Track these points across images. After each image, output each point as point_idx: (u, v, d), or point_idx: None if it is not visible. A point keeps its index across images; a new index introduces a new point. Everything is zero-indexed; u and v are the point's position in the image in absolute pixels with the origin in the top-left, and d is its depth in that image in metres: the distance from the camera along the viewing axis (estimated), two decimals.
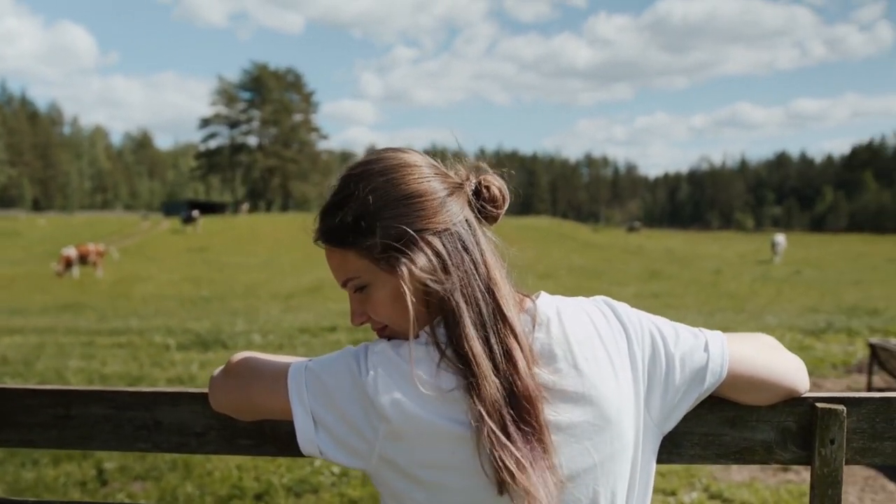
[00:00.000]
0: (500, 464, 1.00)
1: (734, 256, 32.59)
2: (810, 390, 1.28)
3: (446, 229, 1.11)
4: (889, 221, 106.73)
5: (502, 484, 1.01)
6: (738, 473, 4.99)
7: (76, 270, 22.47)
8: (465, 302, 1.08)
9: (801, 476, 4.88)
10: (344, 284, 1.17)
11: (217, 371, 1.29)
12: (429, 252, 1.09)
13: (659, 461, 1.22)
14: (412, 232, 1.10)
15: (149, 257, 29.96)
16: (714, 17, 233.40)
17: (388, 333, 1.16)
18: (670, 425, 1.19)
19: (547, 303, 1.16)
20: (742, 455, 1.28)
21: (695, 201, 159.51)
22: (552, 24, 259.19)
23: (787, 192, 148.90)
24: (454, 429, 1.04)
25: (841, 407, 1.24)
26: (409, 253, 1.09)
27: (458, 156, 1.21)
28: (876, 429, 1.26)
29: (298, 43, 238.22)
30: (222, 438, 1.34)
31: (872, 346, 6.91)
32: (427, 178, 1.13)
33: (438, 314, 1.10)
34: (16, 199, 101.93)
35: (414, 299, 1.08)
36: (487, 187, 1.18)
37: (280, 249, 33.55)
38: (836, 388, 7.62)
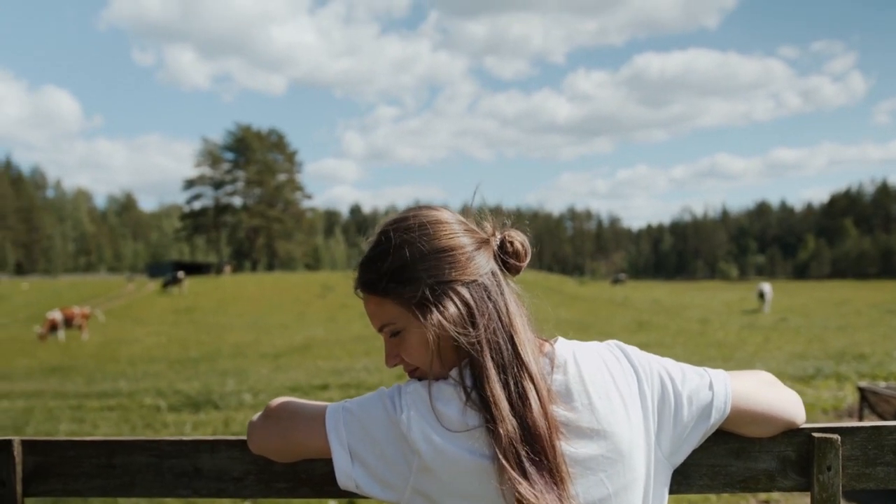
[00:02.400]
0: (519, 495, 1.10)
1: (720, 305, 32.76)
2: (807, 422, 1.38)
3: (474, 280, 1.23)
4: (871, 267, 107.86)
5: None
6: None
7: (62, 333, 22.29)
8: (489, 347, 1.19)
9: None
10: (380, 329, 1.28)
11: (256, 416, 1.38)
12: (458, 301, 1.21)
13: (670, 492, 1.32)
14: (444, 283, 1.21)
15: (135, 319, 29.74)
16: (690, 71, 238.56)
17: (418, 375, 1.27)
18: (680, 459, 1.30)
19: (564, 346, 1.28)
20: (747, 484, 1.38)
21: (678, 252, 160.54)
22: (532, 81, 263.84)
23: (769, 241, 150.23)
24: (480, 462, 1.14)
25: (835, 436, 1.35)
26: (441, 302, 1.20)
27: (484, 212, 1.33)
28: (868, 455, 1.37)
29: (281, 104, 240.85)
30: (260, 482, 1.42)
31: (862, 390, 6.99)
32: (457, 234, 1.26)
33: (466, 357, 1.20)
34: None
35: (443, 344, 1.20)
36: (511, 242, 1.31)
37: (267, 309, 33.41)
38: None
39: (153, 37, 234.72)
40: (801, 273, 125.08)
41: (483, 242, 1.28)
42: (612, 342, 1.35)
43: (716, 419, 1.29)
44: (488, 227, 1.32)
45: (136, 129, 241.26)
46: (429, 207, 1.32)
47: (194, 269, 71.09)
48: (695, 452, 1.32)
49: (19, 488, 1.45)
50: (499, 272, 1.27)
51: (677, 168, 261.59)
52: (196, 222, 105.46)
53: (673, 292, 51.14)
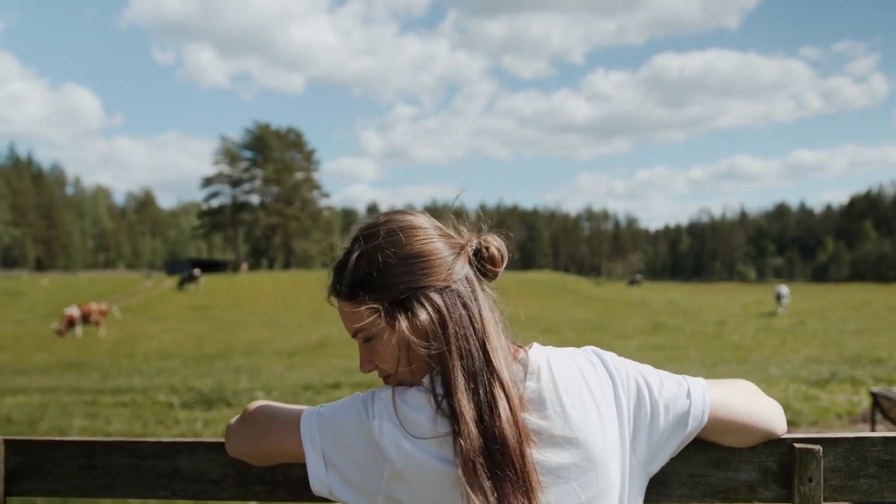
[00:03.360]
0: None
1: (737, 308, 32.54)
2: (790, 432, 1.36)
3: (447, 286, 1.22)
4: (890, 270, 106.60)
5: None
6: None
7: (79, 329, 22.50)
8: (459, 354, 1.18)
9: None
10: (354, 335, 1.27)
11: (234, 419, 1.38)
12: (429, 308, 1.20)
13: (648, 501, 1.31)
14: (416, 288, 1.21)
15: (152, 316, 29.97)
16: (710, 72, 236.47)
17: (392, 381, 1.25)
18: (655, 467, 1.28)
19: (538, 353, 1.26)
20: (727, 494, 1.35)
21: (696, 253, 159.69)
22: (551, 81, 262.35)
23: (787, 243, 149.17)
24: (449, 469, 1.13)
25: (817, 447, 1.32)
26: (413, 308, 1.20)
27: (462, 216, 1.32)
28: (851, 467, 1.34)
29: (300, 102, 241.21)
30: (238, 485, 1.42)
31: (874, 395, 6.91)
32: (431, 239, 1.25)
33: (438, 364, 1.19)
34: (19, 259, 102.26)
35: (415, 350, 1.19)
36: (487, 248, 1.29)
37: (282, 307, 33.57)
38: None
39: (173, 35, 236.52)
40: (820, 275, 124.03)
41: (458, 248, 1.27)
42: (588, 348, 1.33)
43: (692, 428, 1.27)
44: (465, 231, 1.31)
45: (156, 127, 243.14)
46: (403, 212, 1.30)
47: (211, 266, 71.54)
48: (674, 461, 1.30)
49: (1, 488, 1.46)
50: (473, 278, 1.26)
51: (696, 169, 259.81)
52: (214, 220, 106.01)
53: (689, 294, 50.90)
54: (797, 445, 1.32)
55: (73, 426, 8.76)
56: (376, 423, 1.17)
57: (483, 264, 1.28)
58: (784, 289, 28.56)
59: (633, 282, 70.35)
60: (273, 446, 1.29)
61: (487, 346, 1.19)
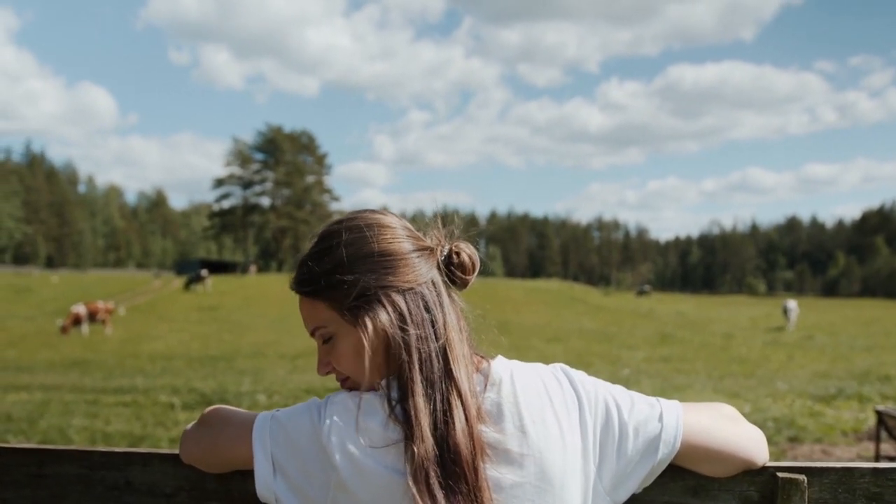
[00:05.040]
0: None
1: (745, 321, 32.32)
2: (771, 459, 1.28)
3: (411, 289, 1.16)
4: None
5: None
6: None
7: (85, 327, 22.54)
8: (419, 359, 1.12)
9: None
10: (312, 333, 1.22)
11: (190, 424, 1.32)
12: (390, 309, 1.14)
13: None
14: (378, 288, 1.15)
15: (159, 316, 30.02)
16: (725, 83, 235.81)
17: (349, 385, 1.20)
18: (623, 496, 1.20)
19: (502, 365, 1.19)
20: None
21: (706, 265, 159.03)
22: (565, 89, 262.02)
23: (798, 257, 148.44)
24: (397, 479, 1.06)
25: (802, 477, 1.24)
26: (373, 308, 1.14)
27: (441, 220, 1.26)
28: (838, 499, 1.26)
29: (314, 106, 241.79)
30: (192, 499, 1.35)
31: (880, 414, 6.80)
32: (398, 240, 1.19)
33: (396, 369, 1.13)
34: (30, 256, 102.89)
35: (374, 353, 1.13)
36: (458, 253, 1.23)
37: (289, 310, 33.44)
38: (846, 455, 7.50)
39: (189, 36, 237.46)
40: (831, 290, 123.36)
41: (426, 251, 1.21)
42: (557, 365, 1.25)
43: (664, 454, 1.18)
44: (437, 235, 1.25)
45: (170, 128, 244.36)
46: (373, 211, 1.25)
47: (220, 267, 71.74)
48: (649, 489, 1.22)
49: None
50: (440, 283, 1.20)
51: (708, 181, 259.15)
52: (224, 221, 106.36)
53: (698, 306, 50.66)
54: (780, 475, 1.24)
55: (72, 425, 8.73)
56: (325, 428, 1.10)
57: (452, 270, 1.22)
58: (792, 303, 28.29)
59: (641, 292, 70.13)
60: (225, 450, 1.22)
61: (449, 353, 1.13)
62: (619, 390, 1.22)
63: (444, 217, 1.27)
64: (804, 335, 23.46)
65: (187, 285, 44.19)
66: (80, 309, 22.75)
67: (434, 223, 1.26)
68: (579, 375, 1.22)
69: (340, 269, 1.16)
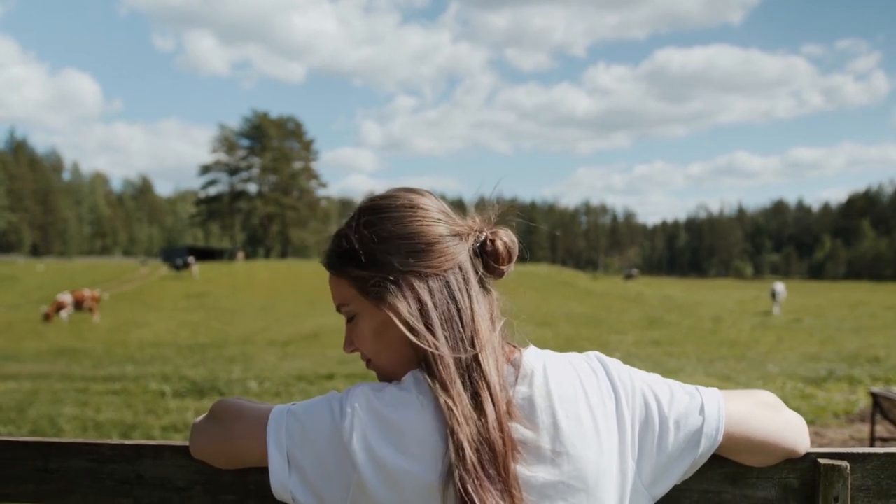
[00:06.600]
0: None
1: (733, 304, 32.45)
2: (812, 443, 1.23)
3: (436, 274, 1.11)
4: (887, 269, 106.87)
5: None
6: None
7: (64, 314, 22.34)
8: (444, 348, 1.06)
9: None
10: (338, 309, 1.18)
11: (200, 417, 1.26)
12: (413, 293, 1.09)
13: None
14: (403, 271, 1.10)
15: (146, 303, 29.83)
16: (712, 68, 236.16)
17: (372, 367, 1.16)
18: (662, 490, 1.14)
19: (534, 356, 1.13)
20: None
21: (693, 249, 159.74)
22: (552, 74, 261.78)
23: (785, 240, 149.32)
24: (425, 479, 1.01)
25: (844, 463, 1.19)
26: (395, 292, 1.09)
27: (484, 206, 1.21)
28: (881, 486, 1.22)
29: (300, 91, 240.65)
30: (207, 493, 1.29)
31: (874, 396, 6.81)
32: (430, 223, 1.14)
33: (421, 356, 1.08)
34: (15, 245, 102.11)
35: (395, 337, 1.09)
36: (493, 241, 1.17)
37: (278, 296, 33.44)
38: (838, 437, 7.52)
39: (174, 22, 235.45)
40: (817, 273, 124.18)
41: (461, 236, 1.15)
42: (592, 354, 1.18)
43: (706, 448, 1.13)
44: (476, 221, 1.19)
45: (155, 114, 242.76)
46: (410, 189, 1.19)
47: (207, 254, 71.47)
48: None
49: None
50: (470, 270, 1.14)
51: (695, 165, 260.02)
52: (211, 208, 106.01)
53: (686, 289, 50.83)
54: (822, 461, 1.19)
55: (62, 414, 8.65)
56: (347, 424, 1.04)
57: (486, 259, 1.16)
58: (779, 286, 28.36)
59: (629, 276, 70.31)
60: (238, 445, 1.16)
61: (476, 342, 1.07)
62: (657, 380, 1.17)
63: (492, 203, 1.21)
64: (792, 318, 23.58)
65: (175, 267, 44.22)
66: (66, 297, 22.58)
67: (481, 208, 1.21)
68: (615, 366, 1.16)
69: (366, 247, 1.12)
